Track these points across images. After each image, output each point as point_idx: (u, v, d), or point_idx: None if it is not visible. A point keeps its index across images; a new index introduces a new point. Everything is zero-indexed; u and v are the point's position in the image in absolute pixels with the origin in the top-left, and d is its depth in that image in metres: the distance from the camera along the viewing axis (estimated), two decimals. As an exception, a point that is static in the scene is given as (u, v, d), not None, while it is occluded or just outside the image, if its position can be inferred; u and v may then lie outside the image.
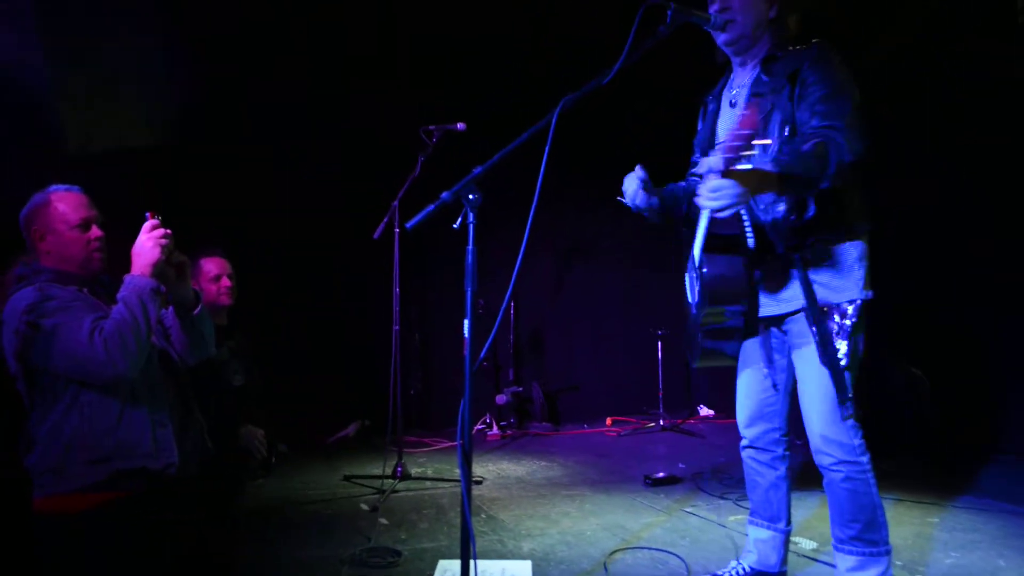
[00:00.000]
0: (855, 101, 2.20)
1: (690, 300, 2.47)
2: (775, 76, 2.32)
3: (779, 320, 2.42)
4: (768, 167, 2.10)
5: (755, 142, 2.01)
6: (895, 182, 4.88)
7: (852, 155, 2.11)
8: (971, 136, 4.60)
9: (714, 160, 2.01)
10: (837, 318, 2.28)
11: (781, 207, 2.29)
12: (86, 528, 2.25)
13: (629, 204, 2.49)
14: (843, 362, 2.26)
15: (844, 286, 2.30)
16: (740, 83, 2.47)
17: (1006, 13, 4.30)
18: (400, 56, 5.99)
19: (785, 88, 2.28)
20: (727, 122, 2.47)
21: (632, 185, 2.44)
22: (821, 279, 2.31)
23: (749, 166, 2.16)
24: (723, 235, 2.32)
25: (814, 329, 2.29)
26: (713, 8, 2.36)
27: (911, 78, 4.87)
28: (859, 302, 2.29)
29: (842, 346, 2.27)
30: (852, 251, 2.31)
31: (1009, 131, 4.40)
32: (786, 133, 2.27)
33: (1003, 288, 4.50)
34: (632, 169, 2.44)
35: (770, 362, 2.53)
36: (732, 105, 2.47)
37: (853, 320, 2.28)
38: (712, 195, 2.02)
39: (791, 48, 2.34)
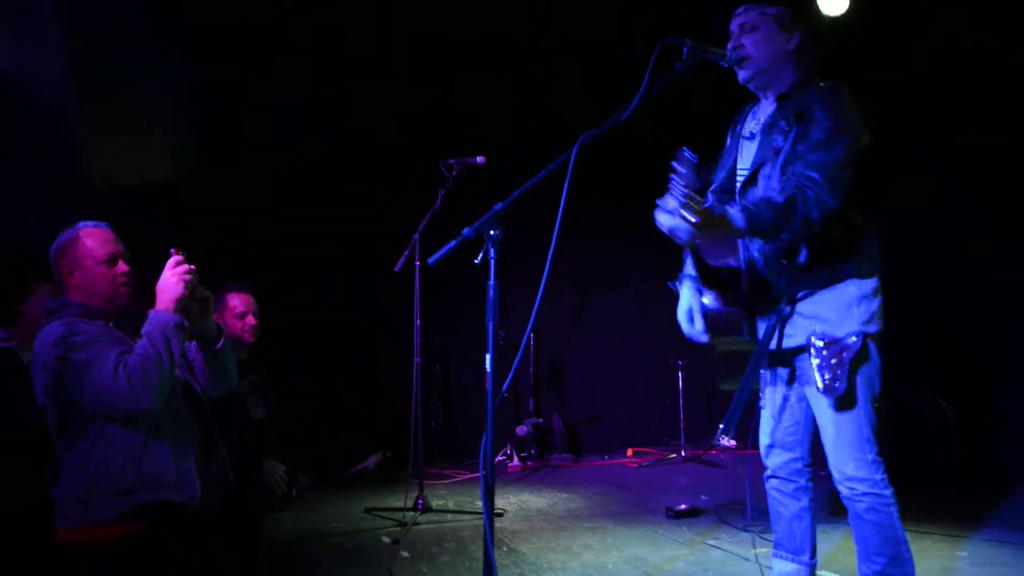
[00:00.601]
0: (849, 151, 2.19)
1: (702, 326, 2.51)
2: (785, 114, 2.34)
3: (786, 355, 2.42)
4: (736, 219, 2.12)
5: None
6: (918, 213, 4.88)
7: (819, 211, 2.13)
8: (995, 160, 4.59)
9: (671, 200, 2.07)
10: (838, 352, 2.28)
11: (774, 248, 2.31)
12: (110, 560, 2.26)
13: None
14: (843, 396, 2.25)
15: (843, 321, 2.29)
16: (760, 115, 2.49)
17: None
18: (430, 95, 6.06)
19: (791, 128, 2.30)
20: (749, 151, 2.48)
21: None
22: (819, 315, 2.31)
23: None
24: (718, 266, 2.36)
25: (817, 364, 2.29)
26: (731, 45, 2.39)
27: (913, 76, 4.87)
28: (860, 335, 2.27)
29: (843, 382, 2.26)
30: (852, 289, 2.30)
31: None
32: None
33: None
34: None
35: (789, 393, 2.52)
36: (750, 137, 2.48)
37: (852, 354, 2.26)
38: (668, 231, 2.11)
39: (810, 87, 2.35)
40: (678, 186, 1.99)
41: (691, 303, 2.51)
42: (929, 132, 4.87)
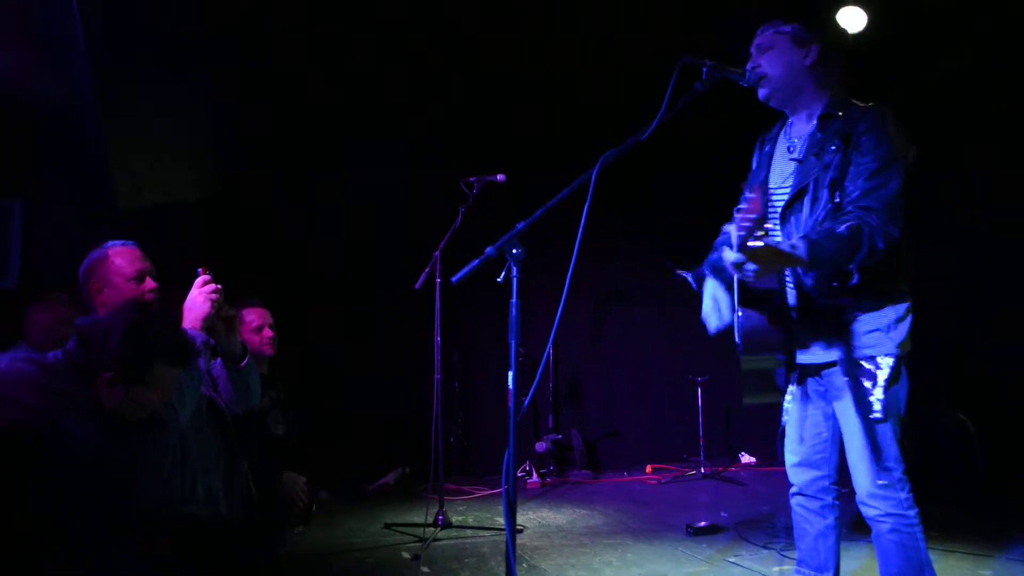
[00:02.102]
0: (904, 177, 2.22)
1: (737, 341, 2.49)
2: (829, 135, 2.34)
3: (817, 370, 2.42)
4: (799, 250, 2.10)
5: (766, 226, 2.04)
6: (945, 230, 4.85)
7: (884, 240, 2.15)
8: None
9: (732, 235, 2.04)
10: (872, 371, 2.28)
11: (824, 272, 2.31)
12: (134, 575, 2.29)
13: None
14: (878, 416, 2.26)
15: (880, 341, 2.30)
16: (799, 133, 2.48)
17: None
18: (438, 104, 6.12)
19: (837, 150, 2.30)
20: (787, 169, 2.48)
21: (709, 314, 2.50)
22: (858, 334, 2.31)
23: (779, 237, 2.27)
24: (759, 289, 2.35)
25: (848, 380, 2.30)
26: (749, 65, 2.42)
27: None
28: (895, 356, 2.28)
29: (877, 400, 2.26)
30: (891, 313, 2.31)
31: None
32: (837, 199, 2.28)
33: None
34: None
35: (817, 408, 2.51)
36: (790, 151, 2.48)
37: (889, 373, 2.27)
38: (732, 267, 2.07)
39: (853, 104, 2.36)
40: (744, 219, 1.96)
41: (716, 294, 2.50)
42: (953, 146, 4.84)
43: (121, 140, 4.85)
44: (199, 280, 2.44)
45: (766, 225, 2.01)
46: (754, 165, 2.67)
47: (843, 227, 2.16)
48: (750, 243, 1.99)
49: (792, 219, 2.38)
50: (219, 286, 2.44)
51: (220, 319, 2.49)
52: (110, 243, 2.59)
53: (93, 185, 4.69)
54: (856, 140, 2.28)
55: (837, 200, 2.28)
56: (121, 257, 2.55)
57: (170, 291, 2.59)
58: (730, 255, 2.05)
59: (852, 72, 2.52)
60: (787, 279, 2.37)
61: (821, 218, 2.30)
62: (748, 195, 1.96)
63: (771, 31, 2.41)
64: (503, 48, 5.76)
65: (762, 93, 2.44)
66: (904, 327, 2.32)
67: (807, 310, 2.36)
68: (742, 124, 2.69)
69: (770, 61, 2.39)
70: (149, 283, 2.55)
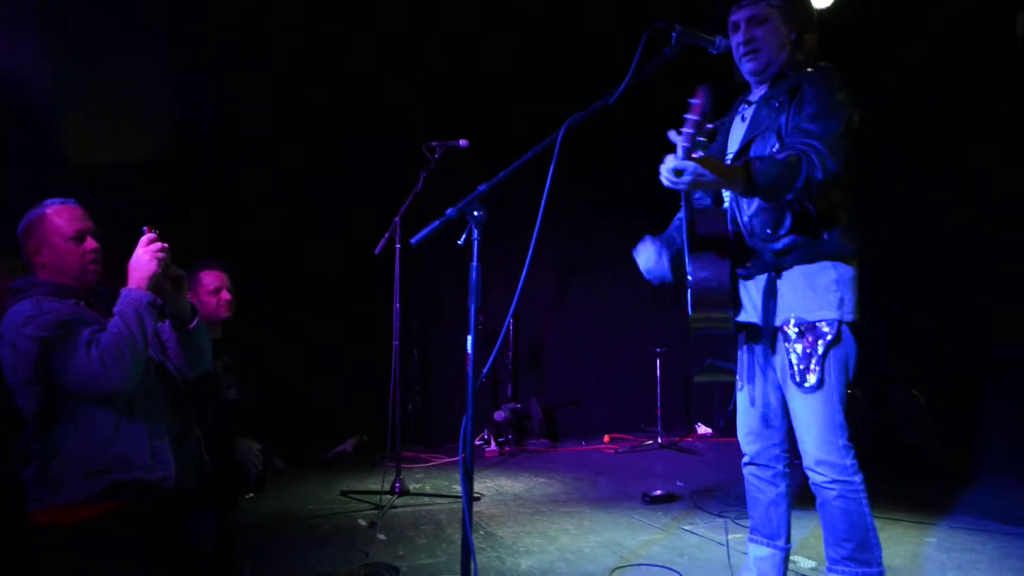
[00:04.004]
0: (845, 124, 2.22)
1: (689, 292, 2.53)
2: (779, 92, 2.37)
3: (766, 334, 2.43)
4: (739, 170, 2.13)
5: (708, 125, 2.07)
6: (892, 200, 4.93)
7: (823, 173, 2.15)
8: (972, 152, 4.63)
9: (677, 143, 2.06)
10: (813, 342, 2.30)
11: (763, 216, 2.34)
12: (83, 540, 2.23)
13: (650, 277, 2.55)
14: (813, 384, 2.28)
15: (817, 305, 2.31)
16: (753, 97, 2.51)
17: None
18: (401, 70, 6.01)
19: (783, 104, 2.33)
20: (738, 132, 2.50)
21: (648, 252, 2.50)
22: (795, 296, 2.34)
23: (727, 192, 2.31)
24: (706, 235, 2.38)
25: (786, 346, 2.33)
26: (736, 40, 2.40)
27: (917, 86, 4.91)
28: (836, 323, 2.30)
29: (815, 367, 2.29)
30: (831, 272, 2.33)
31: (1009, 148, 4.43)
32: (776, 147, 2.31)
33: (999, 312, 4.52)
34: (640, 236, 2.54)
35: (766, 378, 2.54)
36: (743, 120, 2.50)
37: (828, 341, 2.29)
38: (671, 177, 2.06)
39: (804, 70, 2.38)
40: (690, 122, 1.99)
41: (655, 246, 2.54)
42: (909, 126, 4.89)
43: (73, 94, 4.69)
44: (144, 239, 2.34)
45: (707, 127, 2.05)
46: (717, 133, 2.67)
47: (783, 155, 2.18)
48: (694, 155, 2.02)
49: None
50: (166, 244, 2.36)
51: (167, 279, 2.41)
52: (48, 201, 2.47)
53: (41, 143, 4.53)
54: (801, 93, 2.30)
55: (776, 147, 2.31)
56: (60, 216, 2.43)
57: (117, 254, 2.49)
58: (670, 162, 2.04)
59: (820, 49, 2.51)
60: (729, 224, 2.42)
61: None
62: (693, 101, 1.99)
63: (763, 4, 2.39)
64: (468, 12, 5.66)
65: (753, 66, 2.42)
66: (847, 292, 2.33)
67: (749, 260, 2.40)
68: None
69: (766, 34, 2.38)
70: (90, 243, 2.45)
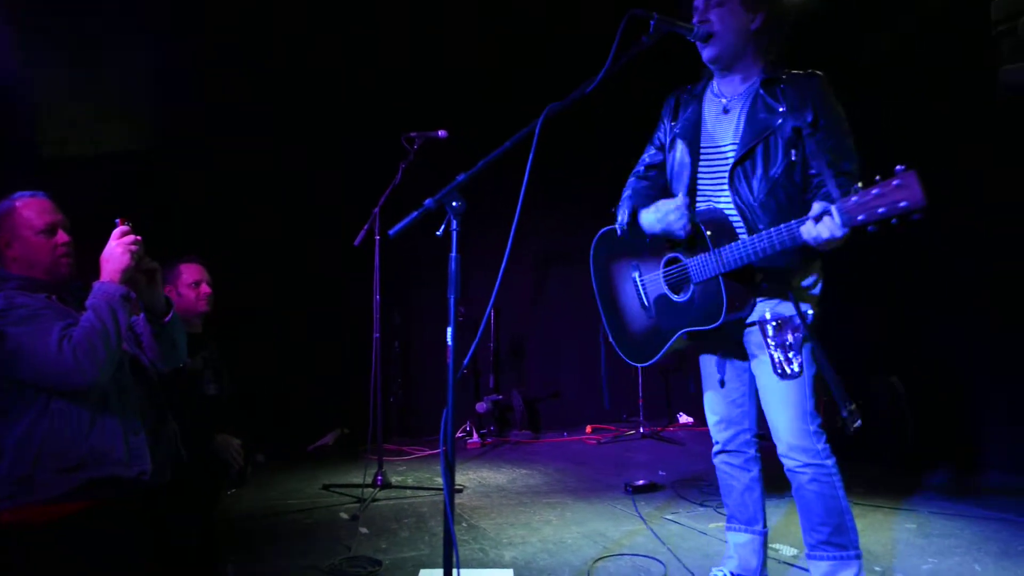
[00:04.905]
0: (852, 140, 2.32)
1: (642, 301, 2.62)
2: (782, 100, 2.33)
3: (735, 327, 2.43)
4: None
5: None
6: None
7: None
8: (954, 146, 4.65)
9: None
10: (790, 331, 2.32)
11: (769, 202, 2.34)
12: (59, 538, 2.20)
13: (667, 229, 2.43)
14: (795, 371, 2.31)
15: (795, 298, 2.34)
16: (732, 93, 2.46)
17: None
18: (381, 61, 5.96)
19: (787, 113, 2.31)
20: (723, 127, 2.45)
21: (678, 214, 2.40)
22: (774, 290, 2.36)
23: (726, 196, 2.39)
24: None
25: (765, 339, 2.35)
26: (696, 19, 2.37)
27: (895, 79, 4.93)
28: (810, 316, 2.34)
29: (795, 357, 2.32)
30: (806, 270, 2.38)
31: (993, 142, 4.45)
32: (792, 158, 2.30)
33: (978, 303, 4.55)
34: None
35: (732, 366, 2.56)
36: (726, 112, 2.46)
37: (802, 333, 2.31)
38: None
39: (791, 73, 2.37)
40: None
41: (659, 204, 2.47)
42: (901, 123, 4.91)
43: (46, 82, 4.61)
44: (117, 231, 2.31)
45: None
46: (667, 122, 2.63)
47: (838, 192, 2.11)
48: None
49: (742, 175, 2.36)
50: (139, 237, 2.32)
51: (141, 272, 2.37)
52: (18, 194, 2.43)
53: (10, 133, 4.45)
54: (816, 114, 2.29)
55: (793, 159, 2.30)
56: (30, 209, 2.40)
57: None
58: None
59: (790, 42, 2.50)
60: (728, 202, 2.41)
61: (778, 175, 2.31)
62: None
63: None
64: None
65: (709, 52, 2.39)
66: (818, 284, 2.39)
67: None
68: (690, 80, 2.66)
69: (720, 17, 2.35)
70: (61, 236, 2.41)
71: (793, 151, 2.29)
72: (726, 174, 2.38)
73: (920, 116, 4.83)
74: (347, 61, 5.82)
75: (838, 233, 1.97)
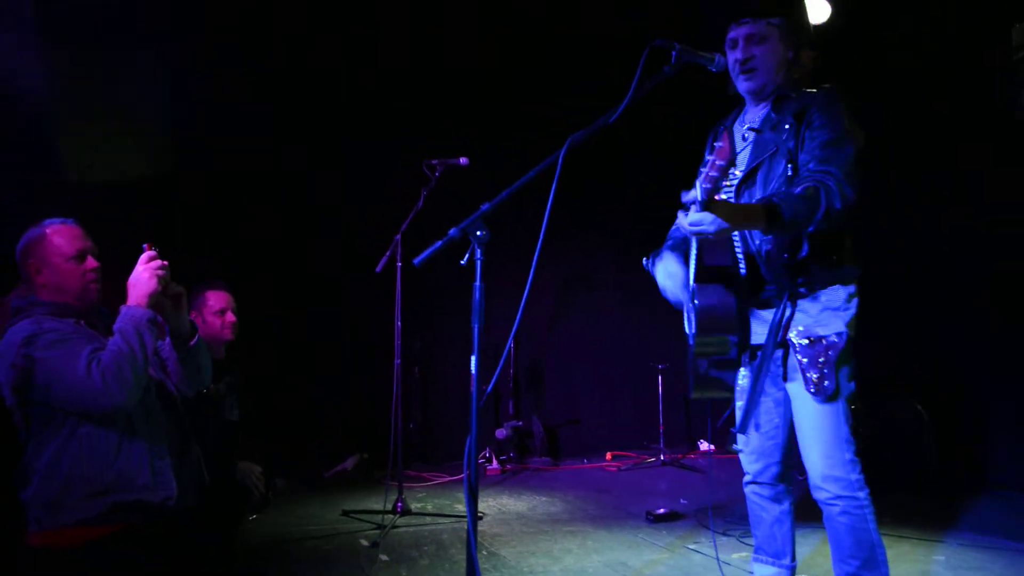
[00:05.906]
0: (856, 148, 2.24)
1: (687, 331, 2.49)
2: (783, 114, 2.37)
3: (769, 350, 2.41)
4: (759, 209, 2.12)
5: (732, 171, 2.04)
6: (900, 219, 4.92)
7: (841, 202, 2.15)
8: (954, 146, 4.64)
9: (695, 192, 2.03)
10: (824, 351, 2.29)
11: (778, 240, 2.32)
12: (85, 562, 2.22)
13: (671, 298, 2.49)
14: (830, 395, 2.27)
15: (831, 321, 2.32)
16: (752, 119, 2.50)
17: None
18: (381, 61, 5.99)
19: (791, 127, 2.33)
20: (742, 154, 2.48)
21: (671, 267, 2.45)
22: (810, 314, 2.34)
23: (725, 197, 2.28)
24: (714, 266, 2.36)
25: (800, 361, 2.32)
26: (734, 56, 2.40)
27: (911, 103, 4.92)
28: (846, 336, 2.31)
29: (829, 380, 2.28)
30: (841, 292, 2.35)
31: (993, 142, 4.43)
32: (789, 172, 2.31)
33: (1001, 328, 4.51)
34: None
35: (770, 396, 2.52)
36: (744, 140, 2.50)
37: (838, 352, 2.28)
38: (694, 227, 2.07)
39: (804, 90, 2.39)
40: (716, 166, 1.95)
41: (670, 268, 2.48)
42: (902, 125, 4.90)
43: (70, 109, 4.69)
44: (144, 256, 2.35)
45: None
46: (707, 155, 2.65)
47: (799, 188, 2.17)
48: (717, 196, 2.00)
49: (746, 195, 2.40)
50: (165, 262, 2.36)
51: (167, 296, 2.40)
52: (48, 221, 2.47)
53: (39, 159, 4.53)
54: (809, 117, 2.31)
55: (790, 173, 2.31)
56: (60, 236, 2.44)
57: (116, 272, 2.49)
58: (693, 214, 2.04)
59: (816, 65, 2.52)
60: (737, 250, 2.40)
61: (777, 190, 2.32)
62: (717, 144, 1.96)
63: (763, 22, 2.40)
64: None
65: (751, 85, 2.43)
66: (853, 307, 2.36)
67: (759, 282, 2.39)
68: (711, 108, 2.67)
69: (764, 54, 2.39)
70: (90, 262, 2.45)
71: (790, 166, 2.31)
72: (734, 193, 2.42)
73: (920, 116, 4.83)
74: (347, 61, 5.83)
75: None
